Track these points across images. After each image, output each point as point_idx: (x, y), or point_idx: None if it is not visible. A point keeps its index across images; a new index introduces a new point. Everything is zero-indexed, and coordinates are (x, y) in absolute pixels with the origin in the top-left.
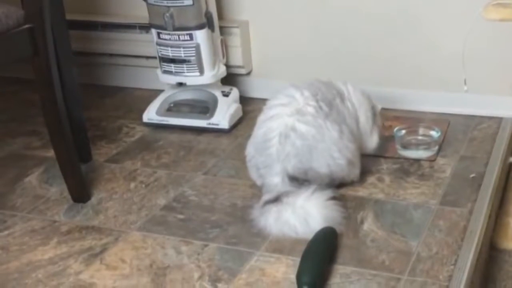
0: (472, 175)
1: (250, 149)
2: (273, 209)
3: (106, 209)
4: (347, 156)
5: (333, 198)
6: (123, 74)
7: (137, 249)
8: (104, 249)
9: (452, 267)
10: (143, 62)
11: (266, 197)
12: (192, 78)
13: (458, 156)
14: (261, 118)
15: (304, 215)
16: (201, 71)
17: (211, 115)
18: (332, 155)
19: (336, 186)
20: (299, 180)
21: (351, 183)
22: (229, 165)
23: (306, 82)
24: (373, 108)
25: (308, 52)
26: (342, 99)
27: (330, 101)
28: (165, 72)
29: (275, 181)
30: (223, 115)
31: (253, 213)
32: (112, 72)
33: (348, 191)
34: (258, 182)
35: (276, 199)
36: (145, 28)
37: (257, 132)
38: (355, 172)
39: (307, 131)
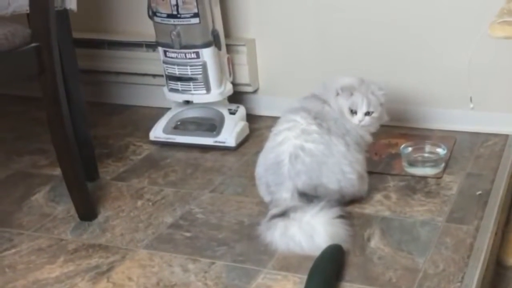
0: (479, 192)
1: (260, 170)
2: (280, 223)
3: (113, 227)
4: (357, 169)
5: (341, 216)
6: (130, 92)
7: (144, 267)
8: (111, 267)
9: (458, 284)
10: (150, 80)
11: (273, 211)
12: (198, 96)
13: (464, 173)
14: (270, 144)
15: (310, 231)
16: (208, 89)
17: (218, 133)
18: (343, 169)
19: (346, 203)
20: (308, 196)
21: (359, 200)
22: (236, 182)
23: (294, 106)
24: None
25: (315, 70)
26: (323, 101)
27: (323, 114)
28: (171, 90)
29: (285, 196)
30: (230, 133)
31: (260, 228)
32: (119, 90)
33: (355, 209)
34: (267, 199)
35: (284, 214)
36: (152, 46)
37: (268, 156)
38: (364, 188)
39: (315, 148)
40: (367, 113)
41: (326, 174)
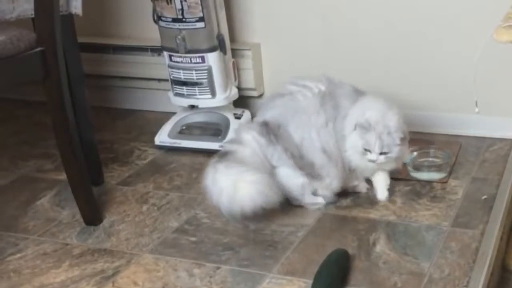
0: (484, 196)
1: None
2: (215, 166)
3: (118, 231)
4: (323, 144)
5: (271, 182)
6: (135, 97)
7: (149, 271)
8: (116, 272)
9: None
10: (155, 84)
11: (226, 146)
12: (204, 100)
13: (469, 178)
14: None
15: (233, 192)
16: (213, 94)
17: (223, 138)
18: (310, 133)
19: (314, 178)
20: (268, 129)
21: (337, 198)
22: None
23: (335, 78)
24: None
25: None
26: (353, 101)
27: (335, 97)
28: (177, 94)
29: (253, 125)
30: None
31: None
32: (124, 95)
33: (360, 213)
34: None
35: (225, 155)
36: (157, 50)
37: None
38: (332, 171)
39: (301, 101)
40: (382, 153)
41: (295, 124)
